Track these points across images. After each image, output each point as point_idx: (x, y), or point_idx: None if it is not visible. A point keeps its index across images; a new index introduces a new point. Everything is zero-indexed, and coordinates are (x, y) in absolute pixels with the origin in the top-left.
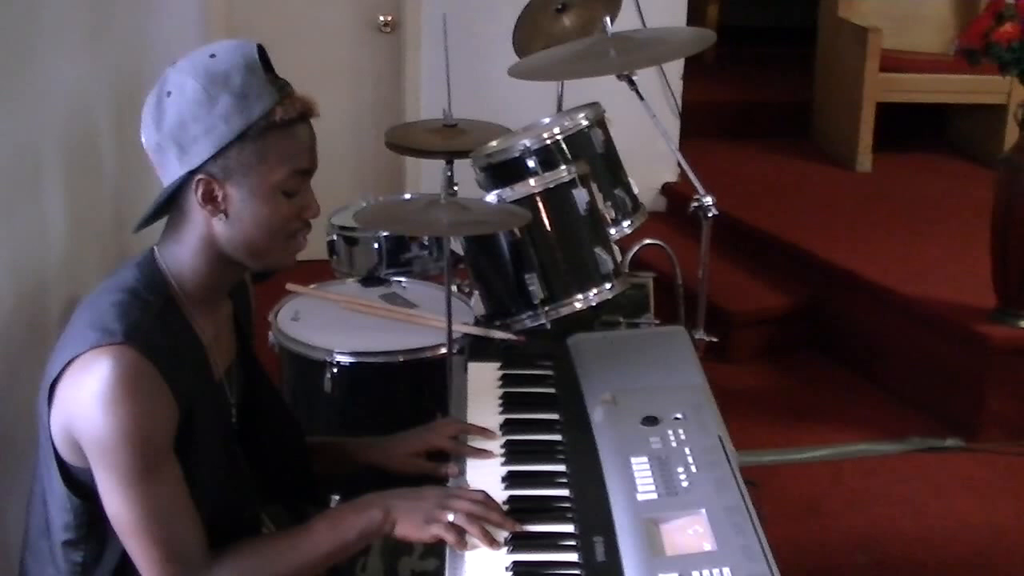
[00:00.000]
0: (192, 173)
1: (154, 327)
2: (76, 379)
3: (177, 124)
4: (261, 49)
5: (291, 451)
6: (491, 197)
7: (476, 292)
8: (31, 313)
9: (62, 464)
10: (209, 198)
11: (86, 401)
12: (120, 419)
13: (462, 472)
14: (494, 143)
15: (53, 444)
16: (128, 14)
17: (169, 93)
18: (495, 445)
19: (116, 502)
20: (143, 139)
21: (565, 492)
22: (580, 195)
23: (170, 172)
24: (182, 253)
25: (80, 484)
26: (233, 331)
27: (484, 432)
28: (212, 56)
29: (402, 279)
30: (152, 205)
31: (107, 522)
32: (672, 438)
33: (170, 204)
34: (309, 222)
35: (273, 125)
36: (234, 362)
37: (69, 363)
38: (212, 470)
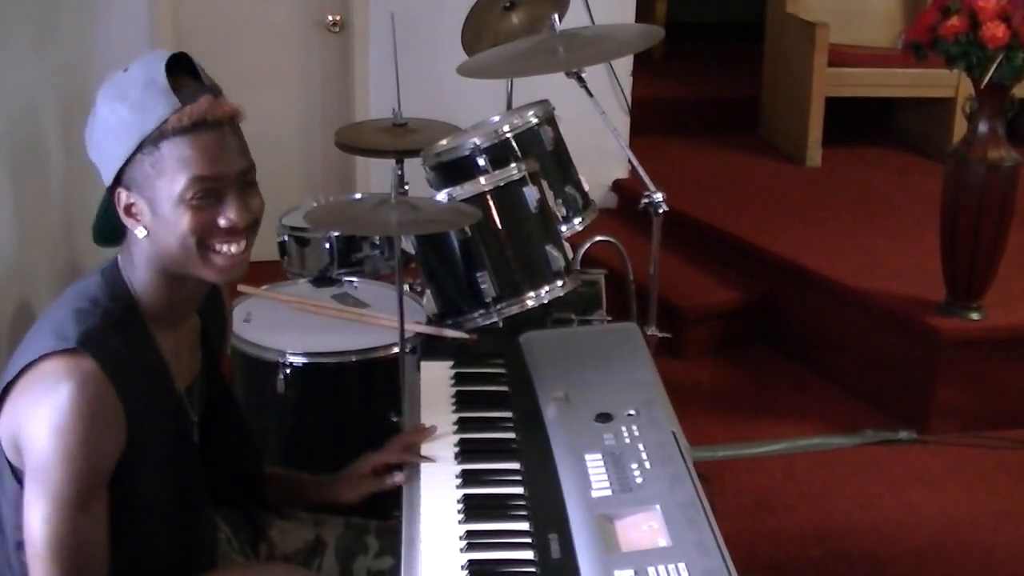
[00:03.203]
0: (112, 189)
1: (111, 335)
2: (32, 391)
3: (96, 141)
4: (180, 57)
5: (247, 472)
6: (441, 196)
7: (428, 291)
8: None
9: (12, 465)
10: (129, 211)
11: (37, 420)
12: (67, 446)
13: (417, 476)
14: (444, 142)
15: (1, 446)
16: (74, 17)
17: (94, 112)
18: (443, 444)
19: (37, 519)
20: None
21: (519, 490)
22: (530, 193)
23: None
24: (135, 267)
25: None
26: (199, 348)
27: (427, 431)
28: (125, 70)
29: (353, 279)
30: (96, 217)
31: None
32: (626, 434)
33: (119, 220)
34: (231, 231)
35: (166, 134)
36: (197, 379)
37: (25, 369)
38: (162, 484)
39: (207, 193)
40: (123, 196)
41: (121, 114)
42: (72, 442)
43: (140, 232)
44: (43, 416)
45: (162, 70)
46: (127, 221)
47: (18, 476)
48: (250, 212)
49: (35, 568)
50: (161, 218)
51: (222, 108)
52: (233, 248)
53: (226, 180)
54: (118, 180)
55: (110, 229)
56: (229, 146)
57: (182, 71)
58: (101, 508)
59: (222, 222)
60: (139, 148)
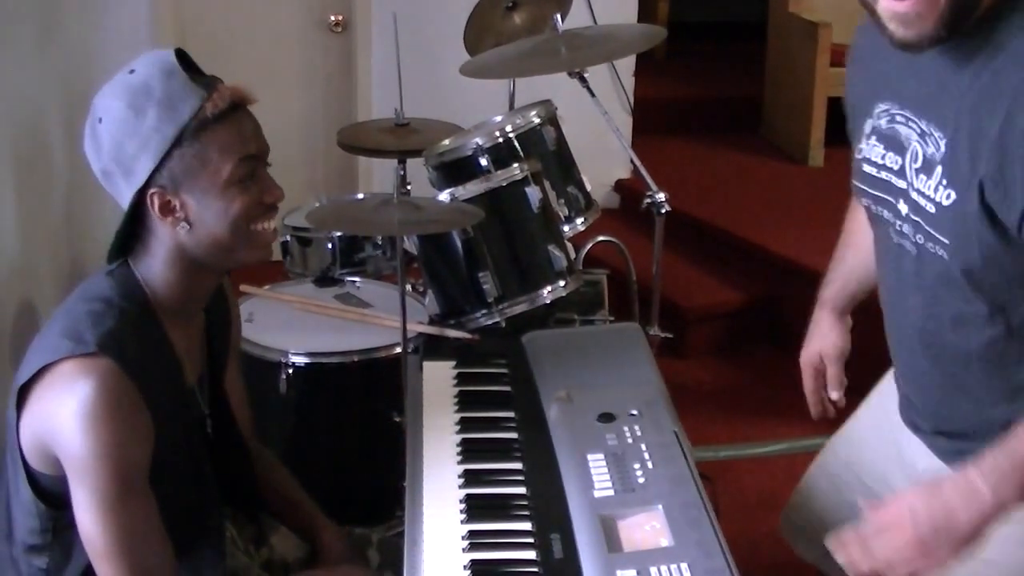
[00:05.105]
0: (143, 191)
1: (128, 336)
2: (54, 392)
3: (114, 147)
4: (181, 53)
5: (244, 469)
6: (444, 196)
7: (430, 291)
8: None
9: (29, 469)
10: (166, 210)
11: (66, 419)
12: (101, 440)
13: (420, 476)
14: (446, 142)
15: (20, 449)
16: (77, 17)
17: (100, 119)
18: (445, 444)
19: (90, 522)
20: (93, 168)
21: (522, 490)
22: (533, 193)
23: (123, 195)
24: (155, 265)
25: (47, 491)
26: (205, 345)
27: None
28: (131, 72)
29: (356, 279)
30: (117, 232)
31: (74, 530)
32: (628, 434)
33: (135, 224)
34: (272, 206)
35: (205, 122)
36: (204, 373)
37: (42, 371)
38: (178, 478)
39: (250, 173)
40: (156, 197)
41: (150, 113)
42: (104, 434)
43: (182, 228)
44: (70, 413)
45: (176, 64)
46: (164, 221)
47: (36, 483)
48: (281, 188)
49: (101, 570)
50: (208, 208)
51: (244, 91)
52: (272, 224)
53: (262, 158)
54: (147, 183)
55: (126, 240)
56: (257, 126)
57: (184, 65)
58: (149, 501)
59: (267, 199)
60: (176, 143)
